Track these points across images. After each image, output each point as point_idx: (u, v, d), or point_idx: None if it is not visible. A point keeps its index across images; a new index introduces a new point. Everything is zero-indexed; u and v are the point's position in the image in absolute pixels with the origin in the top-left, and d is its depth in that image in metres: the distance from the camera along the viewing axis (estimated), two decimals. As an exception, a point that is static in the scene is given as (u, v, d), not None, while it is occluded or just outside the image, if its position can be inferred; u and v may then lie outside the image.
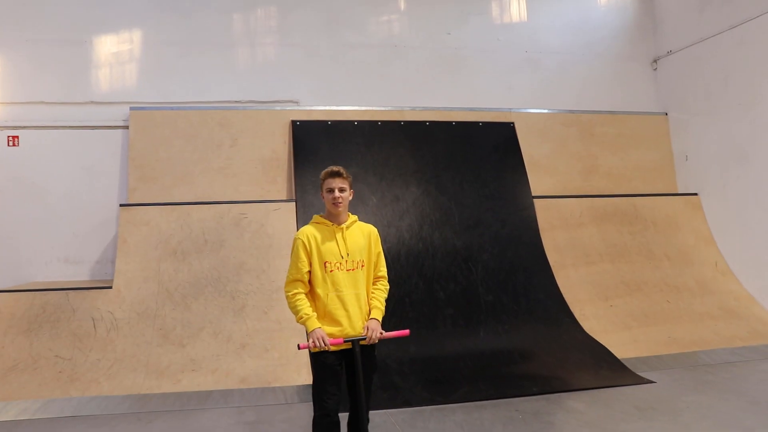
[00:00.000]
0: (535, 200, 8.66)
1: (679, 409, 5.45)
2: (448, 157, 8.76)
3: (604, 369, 6.60)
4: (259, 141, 8.61)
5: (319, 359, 3.76)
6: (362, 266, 3.88)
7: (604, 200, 9.09)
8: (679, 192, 9.77)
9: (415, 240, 7.98)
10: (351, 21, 9.48)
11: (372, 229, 4.04)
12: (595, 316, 7.74)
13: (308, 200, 7.95)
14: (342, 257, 3.80)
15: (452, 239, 8.07)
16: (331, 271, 3.78)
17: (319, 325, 3.68)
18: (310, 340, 3.61)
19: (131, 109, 8.43)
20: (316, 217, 3.94)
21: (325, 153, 8.41)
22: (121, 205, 7.76)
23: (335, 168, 3.86)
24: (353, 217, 3.99)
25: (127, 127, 8.48)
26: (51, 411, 5.70)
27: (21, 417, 5.59)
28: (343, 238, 3.85)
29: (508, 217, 8.41)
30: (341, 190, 3.82)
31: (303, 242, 3.78)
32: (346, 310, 3.77)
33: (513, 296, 7.68)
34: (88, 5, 8.69)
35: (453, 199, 8.40)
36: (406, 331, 3.93)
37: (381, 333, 3.78)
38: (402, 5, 9.74)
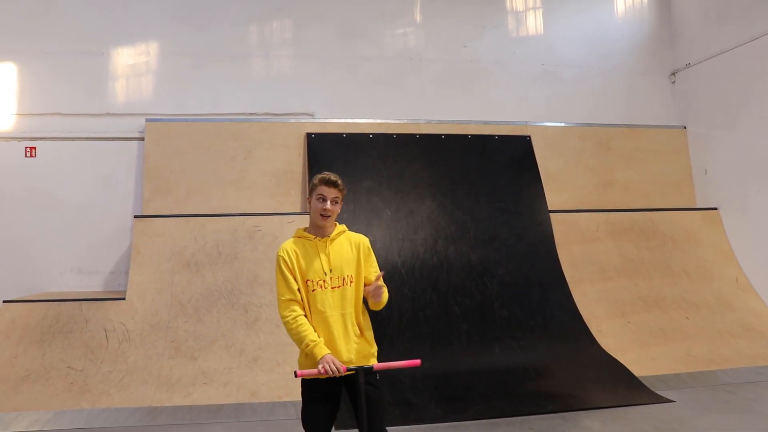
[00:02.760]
0: (551, 214, 8.56)
1: (700, 429, 5.31)
2: (464, 170, 8.69)
3: (622, 387, 6.46)
4: (273, 153, 8.60)
5: (319, 389, 3.42)
6: (351, 282, 3.49)
7: (621, 215, 8.98)
8: (698, 206, 9.62)
9: (430, 254, 7.91)
10: (366, 34, 9.48)
11: (362, 240, 3.64)
12: (612, 333, 7.60)
13: (322, 213, 7.89)
14: (325, 274, 3.44)
15: (467, 253, 7.99)
16: (313, 290, 3.42)
17: (328, 351, 3.31)
18: (320, 366, 3.21)
19: (147, 120, 8.46)
20: (298, 231, 3.58)
21: (340, 166, 8.35)
22: (135, 217, 7.78)
23: (333, 176, 3.48)
24: (340, 228, 3.61)
25: (142, 139, 8.50)
26: (61, 423, 5.67)
27: (32, 428, 5.57)
28: (326, 252, 3.49)
29: (524, 231, 8.32)
30: (334, 201, 3.47)
31: (284, 258, 3.43)
32: (331, 333, 3.40)
33: (528, 312, 7.58)
34: (106, 17, 8.77)
35: (468, 213, 8.32)
36: (417, 361, 3.44)
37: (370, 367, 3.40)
38: (418, 18, 9.73)
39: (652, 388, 6.43)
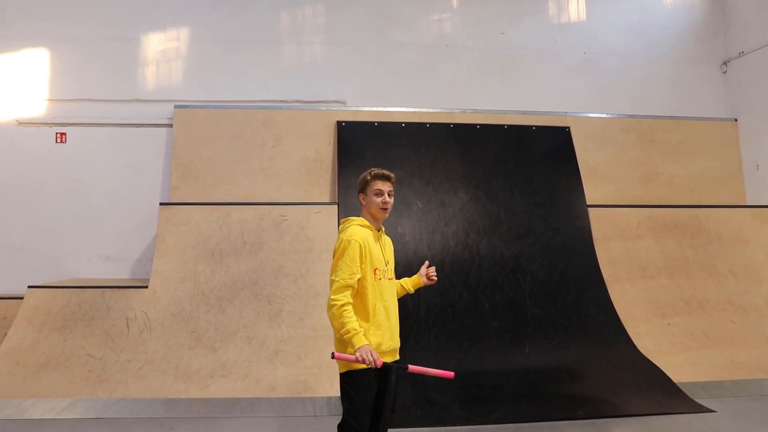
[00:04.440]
0: (589, 209, 8.20)
1: (742, 443, 4.95)
2: (499, 162, 8.38)
3: (659, 394, 6.10)
4: (302, 142, 8.42)
5: (363, 379, 3.41)
6: (394, 276, 3.72)
7: (664, 211, 8.53)
8: (748, 204, 9.11)
9: (461, 248, 7.63)
10: (401, 20, 9.21)
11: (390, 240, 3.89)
12: (651, 335, 7.22)
13: (351, 203, 7.69)
14: (386, 264, 3.61)
15: (500, 248, 7.69)
16: (379, 279, 3.54)
17: (367, 342, 3.35)
18: (358, 354, 3.25)
19: (176, 107, 8.37)
20: (359, 220, 3.65)
21: (371, 155, 8.16)
22: (160, 204, 7.67)
23: (386, 171, 3.67)
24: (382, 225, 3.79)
25: (171, 125, 8.42)
26: (76, 411, 5.60)
27: (47, 416, 5.51)
28: (383, 244, 3.68)
29: (560, 226, 7.98)
30: (390, 194, 3.64)
31: (361, 246, 3.47)
32: (390, 321, 3.55)
33: (562, 310, 7.25)
34: (137, 2, 8.70)
35: (503, 206, 8.02)
36: (451, 374, 3.46)
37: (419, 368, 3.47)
38: (454, 4, 9.41)
39: (692, 396, 6.06)
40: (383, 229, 3.74)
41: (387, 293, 3.56)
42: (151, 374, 6.19)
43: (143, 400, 5.81)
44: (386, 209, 3.61)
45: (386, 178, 3.63)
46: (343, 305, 3.37)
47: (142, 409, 5.65)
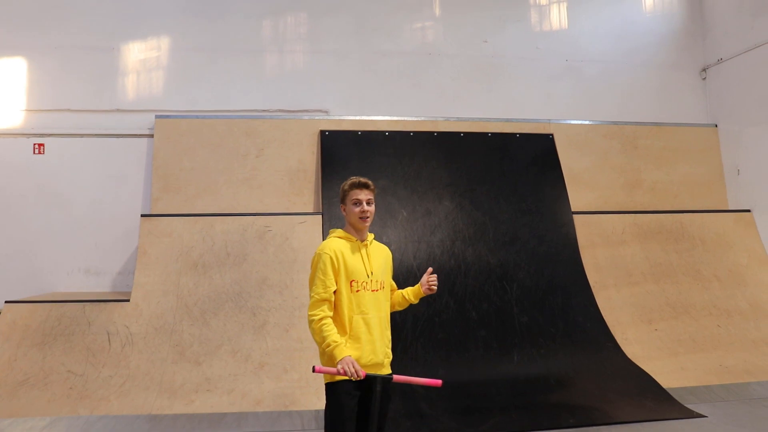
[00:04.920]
0: (574, 216, 8.20)
1: (734, 448, 4.94)
2: (484, 170, 8.36)
3: (649, 400, 6.08)
4: (286, 151, 8.34)
5: (342, 390, 3.36)
6: (382, 287, 3.59)
7: (649, 216, 8.56)
8: (730, 208, 9.18)
9: (447, 256, 7.58)
10: (383, 28, 9.18)
11: (388, 250, 3.80)
12: (639, 341, 7.21)
13: (335, 213, 7.62)
14: (368, 276, 3.52)
15: (486, 256, 7.65)
16: (357, 291, 3.47)
17: (349, 352, 3.32)
18: (340, 366, 3.22)
19: (156, 117, 8.25)
20: (338, 231, 3.62)
21: (355, 165, 8.09)
22: (142, 216, 7.54)
23: (363, 179, 3.61)
24: (371, 234, 3.71)
25: (152, 136, 8.29)
26: (56, 430, 5.43)
27: (26, 436, 5.35)
28: (367, 255, 3.58)
29: (546, 233, 7.96)
30: (369, 203, 3.58)
31: (331, 258, 3.44)
32: (371, 335, 3.45)
33: (550, 318, 7.22)
34: (117, 11, 8.59)
35: (488, 214, 7.99)
36: (438, 382, 3.40)
37: (407, 378, 3.41)
38: (437, 11, 9.40)
39: (682, 401, 6.06)
40: (370, 238, 3.66)
41: (367, 305, 3.47)
42: (134, 390, 6.05)
43: (126, 417, 5.67)
44: (365, 218, 3.56)
45: (364, 186, 3.58)
46: (321, 319, 3.36)
47: (125, 427, 5.52)
